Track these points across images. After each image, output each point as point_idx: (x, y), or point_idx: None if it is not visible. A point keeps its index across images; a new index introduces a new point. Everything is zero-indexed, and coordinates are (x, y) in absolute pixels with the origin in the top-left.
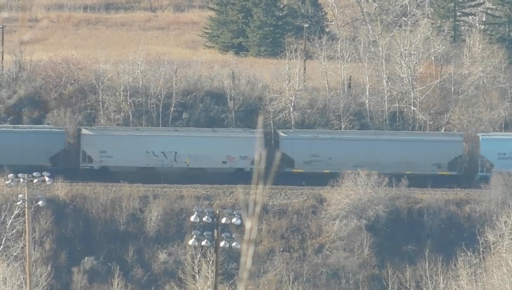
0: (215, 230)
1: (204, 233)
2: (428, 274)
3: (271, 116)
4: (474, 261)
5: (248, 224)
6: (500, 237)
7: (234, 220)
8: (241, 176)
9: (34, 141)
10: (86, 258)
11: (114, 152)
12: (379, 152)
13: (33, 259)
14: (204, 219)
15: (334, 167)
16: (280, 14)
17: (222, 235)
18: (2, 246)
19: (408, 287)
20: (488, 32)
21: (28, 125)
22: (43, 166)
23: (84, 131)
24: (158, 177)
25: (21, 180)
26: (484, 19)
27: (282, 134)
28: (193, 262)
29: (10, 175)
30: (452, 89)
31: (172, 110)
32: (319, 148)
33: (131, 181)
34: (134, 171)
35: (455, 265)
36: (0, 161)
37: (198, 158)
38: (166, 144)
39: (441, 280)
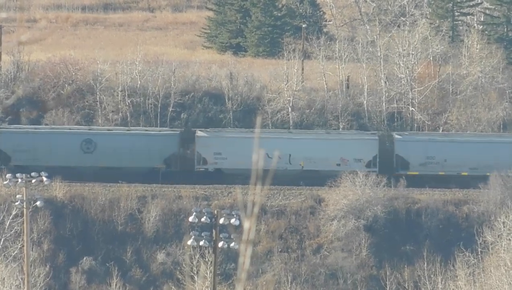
0: (214, 231)
1: (203, 234)
2: (426, 275)
3: (269, 117)
4: (472, 262)
5: (246, 225)
6: (498, 237)
7: (232, 220)
8: None
9: (149, 144)
10: (84, 259)
11: (229, 154)
12: (497, 154)
13: (31, 259)
14: (202, 219)
15: (450, 170)
16: (279, 14)
17: (221, 236)
18: (0, 247)
19: (407, 288)
20: (486, 32)
21: (142, 128)
22: (158, 168)
23: (199, 133)
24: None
25: (19, 180)
26: (482, 19)
27: (397, 136)
28: (192, 263)
29: (8, 175)
30: (450, 89)
31: (170, 110)
32: (435, 150)
33: (246, 183)
34: (248, 174)
35: (453, 266)
36: (114, 163)
37: (313, 161)
38: (281, 146)
39: (439, 280)
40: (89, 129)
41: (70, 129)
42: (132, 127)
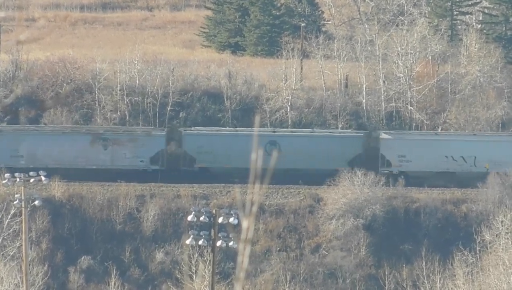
0: (212, 230)
1: (201, 233)
2: (425, 274)
3: (268, 116)
4: (471, 261)
5: (245, 224)
6: (496, 236)
7: (231, 219)
8: None
9: (333, 146)
10: (82, 258)
11: (413, 157)
12: None
13: (29, 258)
14: (201, 218)
15: None
16: (277, 13)
17: (219, 235)
18: None
19: (405, 287)
20: (485, 31)
21: (326, 130)
22: (339, 169)
23: (383, 135)
24: (459, 183)
25: (18, 179)
26: (481, 18)
27: None
28: (190, 262)
29: (7, 175)
30: (449, 89)
31: (168, 109)
32: None
33: (430, 186)
34: (432, 176)
35: (451, 265)
36: (297, 165)
37: (498, 163)
38: (466, 149)
39: (438, 280)
40: (273, 131)
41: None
42: (316, 129)
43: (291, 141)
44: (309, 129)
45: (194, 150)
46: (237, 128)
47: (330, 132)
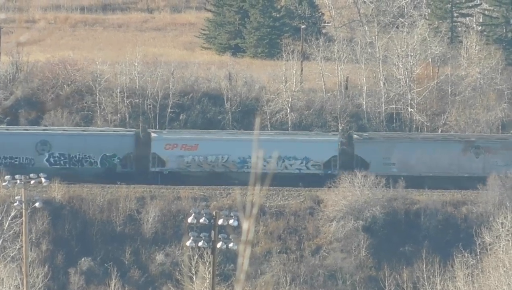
0: (212, 231)
1: (201, 235)
2: (425, 275)
3: (268, 117)
4: (471, 262)
5: (245, 225)
6: (497, 238)
7: (231, 221)
8: None
9: None
10: (83, 259)
11: None
12: None
13: (30, 260)
14: (201, 220)
15: None
16: (277, 15)
17: (219, 236)
18: None
19: (405, 289)
20: (485, 33)
21: None
22: None
23: None
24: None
25: (18, 181)
26: (481, 20)
27: None
28: (190, 264)
29: (7, 177)
30: (449, 91)
31: (169, 111)
32: None
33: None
34: None
35: (452, 266)
36: None
37: None
38: None
39: (438, 281)
40: None
41: None
42: None
43: None
44: None
45: None
46: None
47: None
